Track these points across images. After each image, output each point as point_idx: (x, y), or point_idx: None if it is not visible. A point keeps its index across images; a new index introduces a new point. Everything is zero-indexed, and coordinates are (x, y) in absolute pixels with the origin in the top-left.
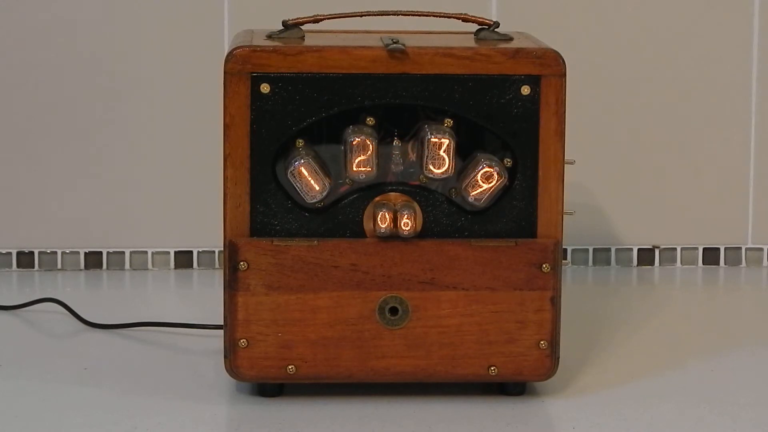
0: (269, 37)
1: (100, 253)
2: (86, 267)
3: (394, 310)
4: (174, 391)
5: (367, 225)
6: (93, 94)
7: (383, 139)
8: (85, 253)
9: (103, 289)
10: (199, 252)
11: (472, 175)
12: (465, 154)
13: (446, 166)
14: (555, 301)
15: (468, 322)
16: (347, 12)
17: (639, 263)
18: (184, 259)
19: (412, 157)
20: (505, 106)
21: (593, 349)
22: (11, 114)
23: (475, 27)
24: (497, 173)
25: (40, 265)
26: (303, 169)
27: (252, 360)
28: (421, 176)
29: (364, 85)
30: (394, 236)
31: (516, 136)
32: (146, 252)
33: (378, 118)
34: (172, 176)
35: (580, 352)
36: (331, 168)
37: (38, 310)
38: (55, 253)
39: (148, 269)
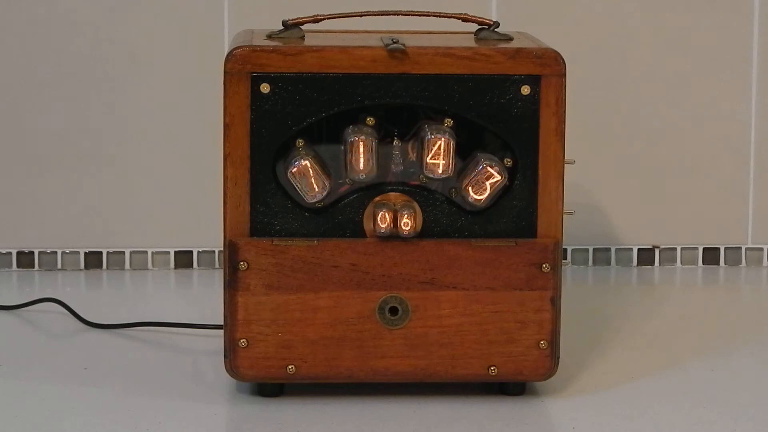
0: (269, 37)
1: (100, 253)
2: (86, 267)
3: (394, 310)
4: (174, 391)
5: (367, 225)
6: (93, 93)
7: (383, 139)
8: (85, 253)
9: (103, 289)
10: (199, 252)
11: (472, 175)
12: (465, 154)
13: (446, 166)
14: (555, 301)
15: (468, 322)
16: (347, 12)
17: (639, 263)
18: (184, 259)
19: (412, 157)
20: (505, 106)
21: (593, 349)
22: (11, 114)
23: (475, 27)
24: (497, 173)
25: (40, 265)
26: (303, 170)
27: (252, 360)
28: (421, 176)
29: (364, 85)
30: (394, 236)
31: (516, 136)
32: (146, 252)
33: (378, 118)
34: (172, 176)
35: (580, 352)
36: (331, 168)
37: (38, 310)
38: (55, 253)
39: (148, 269)
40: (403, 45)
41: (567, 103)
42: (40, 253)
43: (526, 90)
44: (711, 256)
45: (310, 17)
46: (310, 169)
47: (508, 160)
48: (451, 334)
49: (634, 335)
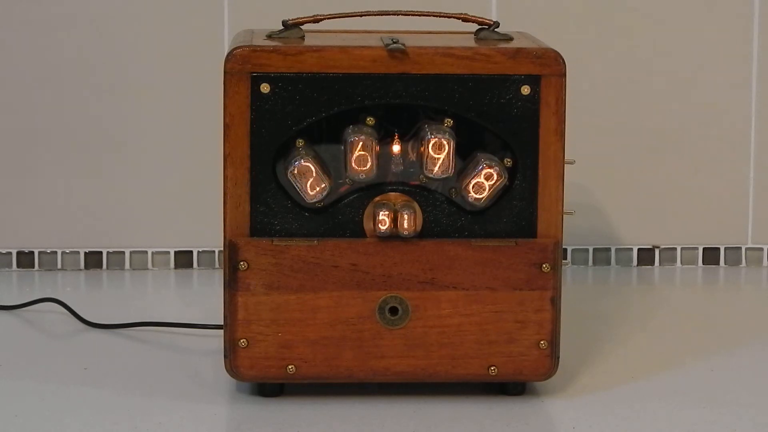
0: (269, 37)
1: (100, 253)
2: (86, 267)
3: (394, 310)
4: (174, 391)
5: (367, 225)
6: (93, 93)
7: (383, 139)
8: (85, 253)
9: (103, 289)
10: (199, 252)
11: (472, 175)
12: (465, 154)
13: (446, 166)
14: (555, 301)
15: (468, 322)
16: (347, 12)
17: (639, 263)
18: (184, 259)
19: (412, 157)
20: (505, 106)
21: (593, 349)
22: (11, 114)
23: (475, 27)
24: (497, 173)
25: (40, 265)
26: (303, 170)
27: (252, 360)
28: (421, 176)
29: (364, 85)
30: (394, 236)
31: (516, 136)
32: (146, 252)
33: (378, 118)
34: (172, 176)
35: (580, 352)
36: (331, 168)
37: (38, 310)
38: (55, 253)
39: (148, 269)
40: (403, 45)
41: (567, 103)
42: (40, 253)
43: (526, 90)
44: (711, 256)
45: (310, 17)
46: (310, 169)
47: (508, 160)
48: (451, 334)
49: (634, 335)
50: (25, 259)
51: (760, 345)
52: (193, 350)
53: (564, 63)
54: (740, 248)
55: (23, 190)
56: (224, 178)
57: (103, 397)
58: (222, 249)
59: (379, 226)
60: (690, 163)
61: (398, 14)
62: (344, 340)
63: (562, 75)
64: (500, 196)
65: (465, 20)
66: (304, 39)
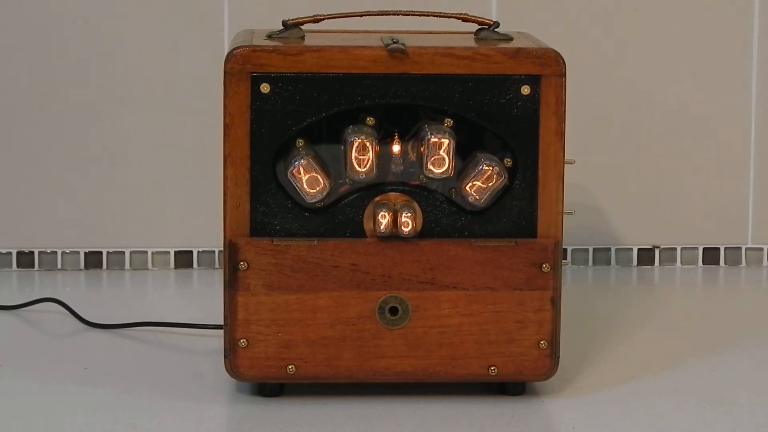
0: (269, 37)
1: (100, 253)
2: (86, 267)
3: (394, 310)
4: (174, 391)
5: (367, 225)
6: (93, 93)
7: (383, 139)
8: (85, 253)
9: (103, 289)
10: (199, 252)
11: (472, 175)
12: (465, 154)
13: (446, 166)
14: (555, 301)
15: (468, 322)
16: (347, 12)
17: (639, 263)
18: (184, 259)
19: (412, 157)
20: (505, 106)
21: (593, 349)
22: (11, 114)
23: (475, 27)
24: (497, 173)
25: (40, 265)
26: (303, 169)
27: (252, 360)
28: (421, 176)
29: (364, 85)
30: (394, 236)
31: (516, 136)
32: (146, 252)
33: (378, 118)
34: (172, 176)
35: (580, 352)
36: (331, 168)
37: (38, 310)
38: (55, 253)
39: (148, 269)
40: (403, 45)
41: (567, 103)
42: (40, 253)
43: (526, 90)
44: (711, 256)
45: (310, 17)
46: (310, 169)
47: (508, 160)
48: (451, 334)
49: (634, 335)
50: (25, 259)
51: (760, 345)
52: (193, 350)
53: (564, 63)
54: (740, 248)
55: (23, 190)
56: (224, 178)
57: (103, 397)
58: (222, 249)
59: (380, 225)
60: (690, 163)
61: (398, 14)
62: (344, 340)
63: (562, 75)
64: (500, 196)
65: (465, 20)
66: (304, 39)
